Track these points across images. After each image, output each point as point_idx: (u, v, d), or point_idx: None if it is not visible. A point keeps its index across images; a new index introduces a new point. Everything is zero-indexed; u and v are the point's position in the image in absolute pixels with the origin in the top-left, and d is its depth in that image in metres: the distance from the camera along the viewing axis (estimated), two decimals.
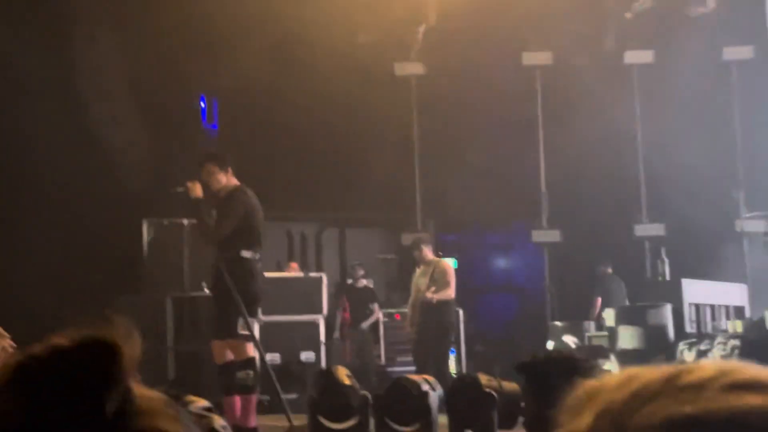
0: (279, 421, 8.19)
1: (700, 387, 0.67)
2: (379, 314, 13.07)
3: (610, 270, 12.79)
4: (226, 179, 7.87)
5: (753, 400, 0.65)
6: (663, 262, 12.04)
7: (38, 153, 12.10)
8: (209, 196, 7.89)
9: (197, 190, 7.74)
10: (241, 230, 7.77)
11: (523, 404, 3.52)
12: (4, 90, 12.18)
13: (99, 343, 0.77)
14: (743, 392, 0.66)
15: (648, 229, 13.53)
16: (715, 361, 0.71)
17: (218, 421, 1.51)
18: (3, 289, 11.21)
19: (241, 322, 7.63)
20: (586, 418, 0.67)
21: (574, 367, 3.41)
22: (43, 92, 12.43)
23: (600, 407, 0.68)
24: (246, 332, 7.68)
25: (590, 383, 0.71)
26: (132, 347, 0.79)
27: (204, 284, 12.05)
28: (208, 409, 1.52)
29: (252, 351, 7.76)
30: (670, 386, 0.67)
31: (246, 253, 7.80)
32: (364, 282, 13.15)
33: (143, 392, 0.81)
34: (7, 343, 5.28)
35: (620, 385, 0.69)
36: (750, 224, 11.80)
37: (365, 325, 12.75)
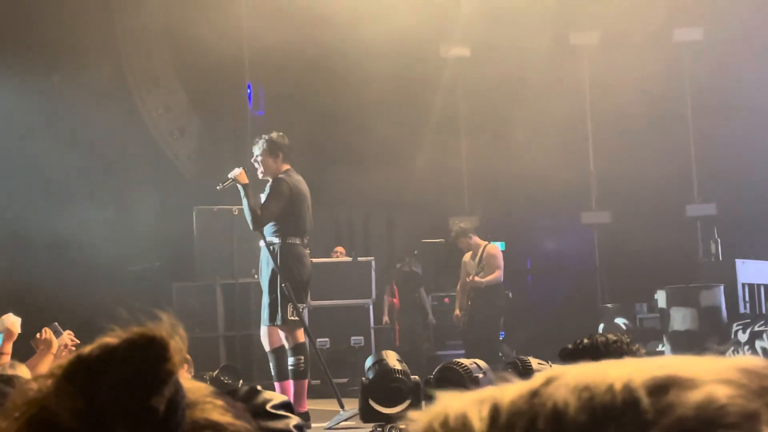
0: (330, 405, 8.22)
1: None
2: (428, 298, 13.07)
3: None
4: (276, 165, 7.88)
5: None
6: (715, 242, 11.88)
7: (92, 139, 12.21)
8: (258, 181, 7.94)
9: (243, 176, 7.76)
10: (288, 216, 7.81)
11: None
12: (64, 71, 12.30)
13: (148, 339, 0.78)
14: None
15: (700, 209, 13.36)
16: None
17: (294, 421, 1.50)
18: (61, 278, 11.37)
19: (291, 308, 7.68)
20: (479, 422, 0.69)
21: (619, 352, 3.37)
22: (96, 78, 12.54)
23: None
24: (296, 318, 7.72)
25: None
26: (178, 341, 0.80)
27: (253, 271, 12.13)
28: (285, 405, 1.51)
29: (302, 336, 7.81)
30: None
31: (294, 239, 7.84)
32: (411, 266, 13.14)
33: (191, 384, 0.82)
34: (68, 339, 5.35)
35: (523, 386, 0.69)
36: None
37: (429, 313, 12.83)
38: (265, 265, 7.97)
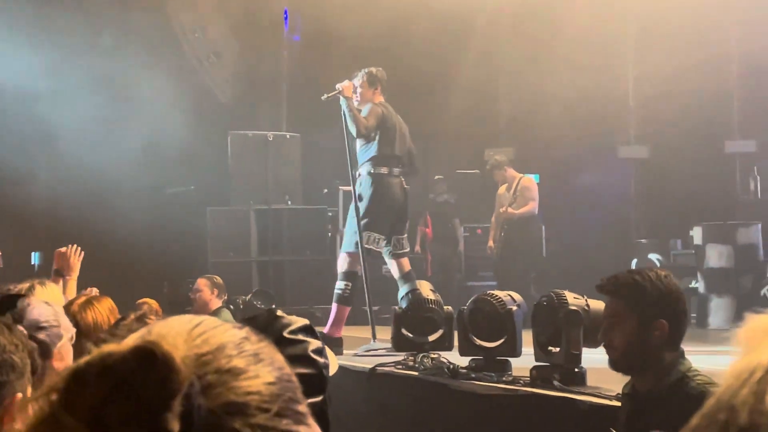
0: (363, 332, 8.27)
1: None
2: (460, 229, 13.05)
3: None
4: (373, 97, 8.15)
5: None
6: (755, 179, 11.74)
7: (129, 62, 12.19)
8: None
9: (348, 89, 8.01)
10: (377, 144, 8.00)
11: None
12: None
13: (150, 358, 0.73)
14: None
15: (739, 146, 13.16)
16: None
17: (313, 345, 1.45)
18: (99, 202, 11.45)
19: (356, 237, 7.88)
20: (767, 353, 0.66)
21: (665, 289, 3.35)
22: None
23: None
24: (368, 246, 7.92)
25: (766, 317, 0.70)
26: (179, 347, 0.76)
27: (287, 197, 12.15)
28: (305, 329, 1.47)
29: (356, 265, 7.94)
30: None
31: (381, 169, 8.02)
32: (445, 197, 13.10)
33: (212, 349, 0.78)
34: (94, 291, 5.33)
35: None
36: None
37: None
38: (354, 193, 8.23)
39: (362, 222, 7.89)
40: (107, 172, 11.49)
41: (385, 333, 7.45)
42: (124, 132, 12.09)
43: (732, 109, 13.39)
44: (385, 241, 7.98)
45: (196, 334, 0.80)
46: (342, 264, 8.11)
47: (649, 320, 3.25)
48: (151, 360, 0.73)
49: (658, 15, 12.68)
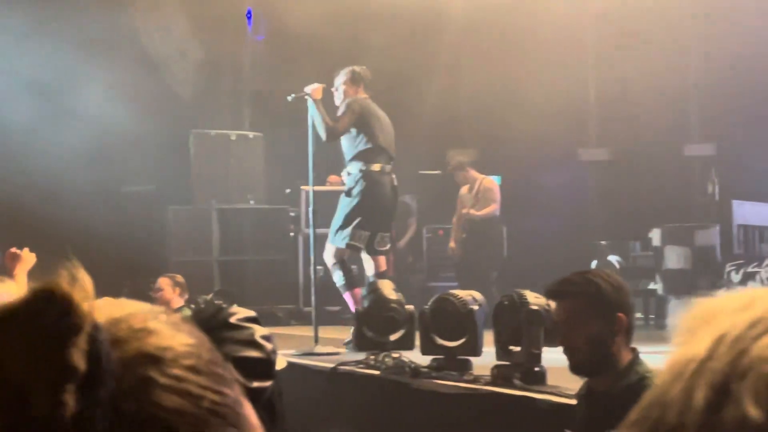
0: (323, 332, 8.25)
1: None
2: (413, 229, 13.03)
3: None
4: (354, 94, 8.12)
5: None
6: (713, 182, 11.87)
7: (89, 60, 12.08)
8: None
9: (318, 92, 7.91)
10: (362, 142, 7.95)
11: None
12: None
13: (46, 295, 0.71)
14: None
15: (698, 149, 13.31)
16: None
17: (260, 332, 1.47)
18: (56, 200, 11.34)
19: (344, 233, 7.99)
20: (703, 342, 0.63)
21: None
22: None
23: (718, 331, 0.63)
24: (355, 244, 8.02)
25: (707, 303, 0.66)
26: (83, 288, 0.73)
27: (249, 196, 12.12)
28: (251, 319, 1.49)
29: (344, 254, 8.13)
30: None
31: (370, 166, 7.98)
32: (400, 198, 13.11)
33: (125, 310, 0.76)
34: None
35: (740, 309, 0.63)
36: None
37: (402, 242, 12.74)
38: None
39: (352, 220, 7.86)
40: (65, 171, 11.39)
41: (346, 333, 7.46)
42: (84, 131, 11.98)
43: (691, 112, 13.54)
44: (369, 238, 7.97)
45: (113, 302, 0.78)
46: (328, 257, 8.11)
47: (610, 315, 3.29)
48: (49, 297, 0.71)
49: (618, 18, 12.80)
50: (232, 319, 1.47)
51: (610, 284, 3.33)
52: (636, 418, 0.65)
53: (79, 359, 0.69)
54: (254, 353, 1.45)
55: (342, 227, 7.96)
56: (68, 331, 0.70)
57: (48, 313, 0.70)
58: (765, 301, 0.64)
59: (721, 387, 0.60)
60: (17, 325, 0.70)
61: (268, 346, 1.49)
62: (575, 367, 3.40)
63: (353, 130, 7.96)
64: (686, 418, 0.60)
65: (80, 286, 0.73)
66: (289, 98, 8.03)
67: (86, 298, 0.72)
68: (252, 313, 1.53)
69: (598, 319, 3.28)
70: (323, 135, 7.89)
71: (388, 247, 8.26)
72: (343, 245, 7.98)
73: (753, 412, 0.58)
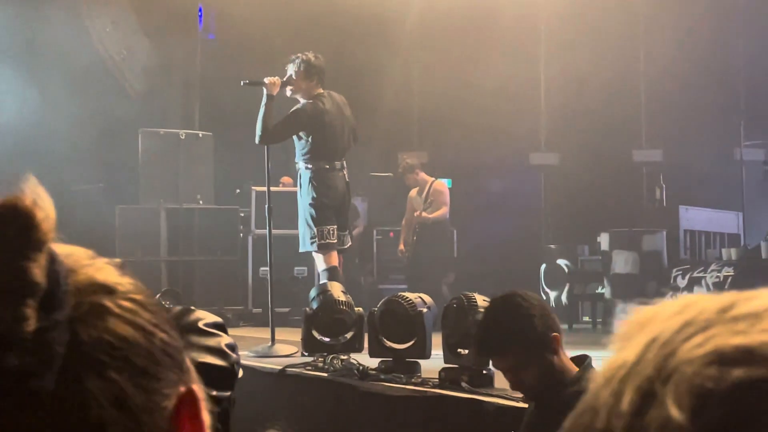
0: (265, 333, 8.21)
1: (756, 317, 0.61)
2: (359, 230, 13.01)
3: None
4: (308, 88, 7.75)
5: None
6: (660, 188, 12.00)
7: (42, 57, 11.93)
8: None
9: (275, 87, 7.60)
10: (313, 141, 7.74)
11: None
12: None
13: (7, 209, 0.70)
14: None
15: (646, 155, 13.46)
16: None
17: (226, 340, 1.44)
18: None
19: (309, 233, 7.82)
20: (635, 347, 0.63)
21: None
22: None
23: (650, 335, 0.63)
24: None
25: (645, 310, 0.66)
26: (44, 208, 0.71)
27: (198, 196, 12.02)
28: (219, 326, 1.45)
29: (322, 263, 7.93)
30: (725, 315, 0.62)
31: (321, 164, 7.78)
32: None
33: (66, 249, 0.74)
34: None
35: (674, 313, 0.64)
36: (749, 152, 11.73)
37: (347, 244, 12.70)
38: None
39: (311, 218, 7.77)
40: (6, 167, 11.21)
41: (296, 335, 7.41)
42: (29, 128, 11.82)
43: (640, 118, 13.69)
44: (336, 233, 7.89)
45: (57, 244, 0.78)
46: (319, 265, 7.99)
47: (547, 344, 3.22)
48: (12, 210, 0.70)
49: (568, 24, 12.89)
50: (200, 324, 1.44)
51: (537, 315, 3.24)
52: (569, 424, 0.65)
53: (40, 276, 0.68)
54: (218, 362, 1.42)
55: (305, 231, 7.83)
56: (31, 246, 0.69)
57: (11, 225, 0.69)
58: (698, 305, 0.63)
59: (647, 390, 0.60)
60: None
61: (233, 356, 1.46)
62: (529, 398, 3.40)
63: (302, 134, 7.82)
64: (613, 423, 0.60)
65: (42, 205, 0.71)
66: (243, 83, 7.81)
67: (47, 218, 0.71)
68: (219, 320, 1.50)
69: (539, 356, 3.22)
70: (257, 137, 7.66)
71: (348, 245, 8.17)
72: (314, 248, 7.82)
73: (675, 413, 0.58)
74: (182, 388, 0.76)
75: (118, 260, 0.79)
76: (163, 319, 0.77)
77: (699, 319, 0.62)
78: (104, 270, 0.76)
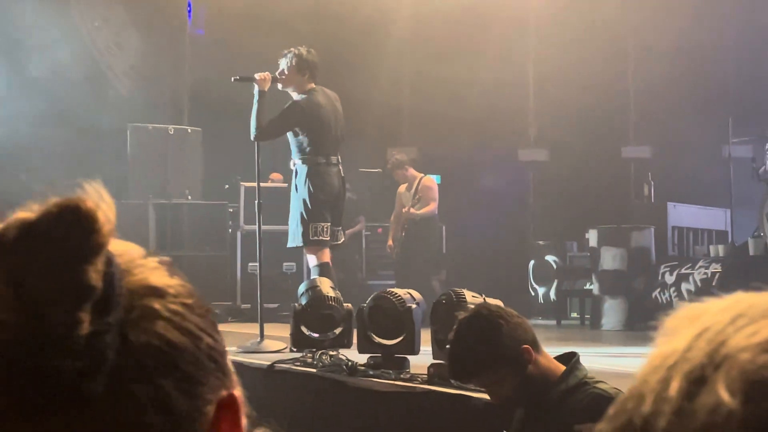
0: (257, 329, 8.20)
1: None
2: (362, 226, 13.04)
3: None
4: (301, 82, 7.71)
5: None
6: (648, 184, 12.03)
7: (28, 53, 11.90)
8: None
9: (266, 82, 7.57)
10: (307, 136, 7.72)
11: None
12: None
13: (70, 210, 0.71)
14: None
15: (635, 152, 13.49)
16: None
17: None
18: None
19: (300, 230, 7.79)
20: (685, 337, 0.63)
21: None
22: None
23: (700, 327, 0.63)
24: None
25: (693, 305, 0.67)
26: (106, 210, 0.73)
27: (187, 192, 12.01)
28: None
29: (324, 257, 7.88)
30: None
31: (317, 158, 7.75)
32: (348, 194, 13.09)
33: (119, 247, 0.75)
34: None
35: (724, 308, 0.64)
36: (737, 150, 11.77)
37: (348, 232, 12.74)
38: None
39: (305, 214, 7.75)
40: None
41: (284, 330, 7.41)
42: (15, 123, 11.77)
43: (629, 115, 13.71)
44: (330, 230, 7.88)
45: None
46: (311, 261, 7.96)
47: (519, 359, 3.21)
48: (75, 213, 0.71)
49: (558, 21, 12.90)
50: None
51: (504, 333, 3.21)
52: (613, 411, 0.65)
53: (97, 279, 0.69)
54: None
55: (297, 226, 7.80)
56: (91, 250, 0.70)
57: (73, 227, 0.70)
58: (748, 300, 0.64)
59: (698, 376, 0.60)
60: (40, 237, 0.70)
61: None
62: (513, 407, 3.41)
63: (297, 129, 7.80)
64: (660, 406, 0.61)
65: (105, 208, 0.73)
66: (234, 79, 7.79)
67: (108, 221, 0.72)
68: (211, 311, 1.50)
69: (512, 372, 3.21)
70: (252, 134, 7.66)
71: (341, 241, 8.16)
72: (305, 244, 7.80)
73: (726, 398, 0.58)
74: (224, 393, 0.77)
75: (167, 258, 0.80)
76: (209, 323, 0.78)
77: (750, 312, 0.63)
78: (156, 271, 0.77)
